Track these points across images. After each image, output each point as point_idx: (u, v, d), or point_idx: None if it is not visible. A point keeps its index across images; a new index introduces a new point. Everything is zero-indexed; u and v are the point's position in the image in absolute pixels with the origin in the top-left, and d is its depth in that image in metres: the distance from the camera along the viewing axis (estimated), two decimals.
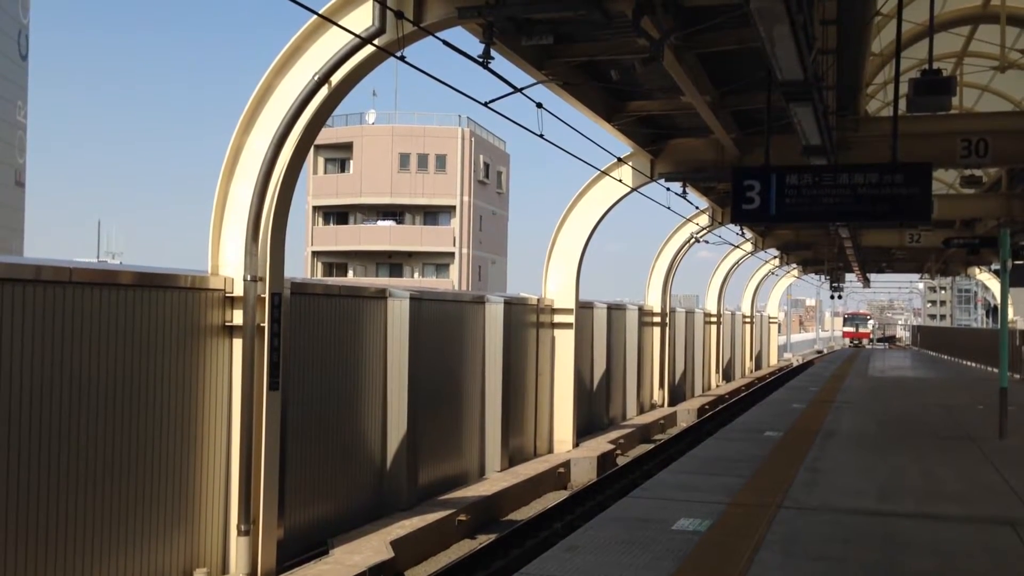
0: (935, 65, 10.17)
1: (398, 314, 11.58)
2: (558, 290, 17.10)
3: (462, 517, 11.46)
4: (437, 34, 8.68)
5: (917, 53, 14.43)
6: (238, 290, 8.66)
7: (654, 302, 24.78)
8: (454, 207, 54.59)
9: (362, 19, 8.42)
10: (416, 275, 55.22)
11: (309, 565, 8.87)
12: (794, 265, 42.96)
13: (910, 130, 13.65)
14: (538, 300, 16.56)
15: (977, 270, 39.85)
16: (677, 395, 26.72)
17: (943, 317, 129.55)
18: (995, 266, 31.51)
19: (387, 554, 9.26)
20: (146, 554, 7.81)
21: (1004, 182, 21.09)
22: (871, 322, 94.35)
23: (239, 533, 8.51)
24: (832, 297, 56.10)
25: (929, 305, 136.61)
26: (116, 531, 7.50)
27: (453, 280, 54.01)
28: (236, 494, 8.59)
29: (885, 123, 13.66)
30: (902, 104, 10.70)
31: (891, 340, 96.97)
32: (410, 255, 55.21)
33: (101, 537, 7.36)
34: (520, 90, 10.51)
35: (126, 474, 7.62)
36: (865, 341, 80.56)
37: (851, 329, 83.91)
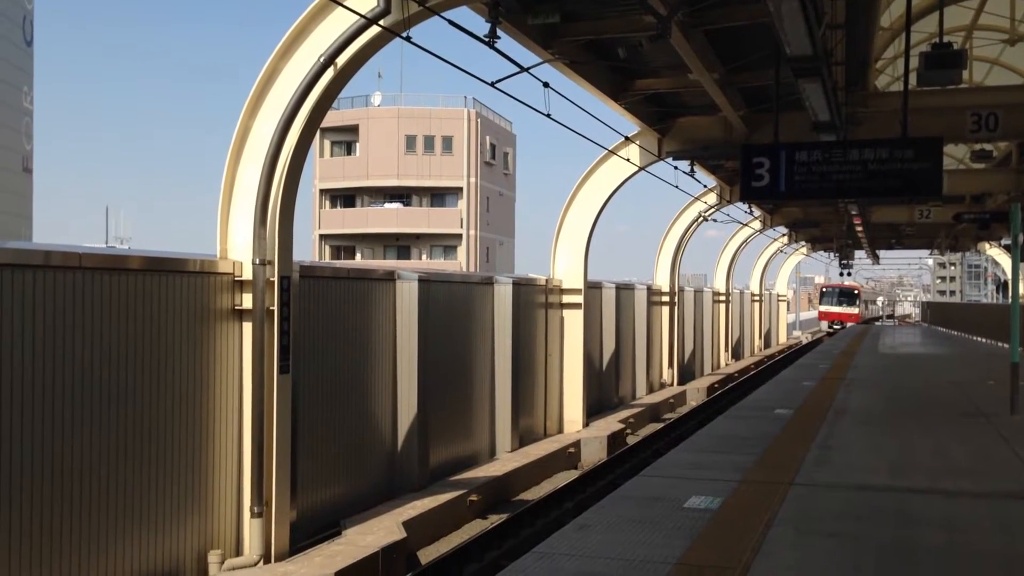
0: (945, 39, 10.09)
1: (407, 296, 11.58)
2: (566, 271, 17.07)
3: (473, 497, 11.50)
4: (443, 14, 8.63)
5: (926, 27, 14.34)
6: (247, 274, 8.67)
7: (663, 281, 24.75)
8: (461, 189, 54.47)
9: None
10: (424, 257, 55.18)
11: (322, 546, 8.92)
12: (803, 243, 42.87)
13: (920, 105, 13.54)
14: (547, 281, 16.54)
15: (987, 245, 39.63)
16: (686, 374, 26.74)
17: (952, 293, 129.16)
18: (1005, 241, 31.34)
19: (399, 534, 9.30)
20: (161, 537, 7.85)
21: (1015, 156, 20.94)
22: (880, 299, 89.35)
23: (252, 515, 8.55)
24: (841, 274, 55.89)
25: (939, 281, 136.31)
26: (131, 514, 7.54)
27: (461, 262, 53.96)
28: (249, 477, 8.62)
29: (895, 98, 13.56)
30: (912, 78, 10.62)
31: (894, 316, 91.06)
32: (418, 237, 55.16)
33: (116, 520, 7.40)
34: (527, 70, 10.46)
35: (138, 458, 7.65)
36: (850, 324, 55.55)
37: (831, 309, 58.51)
